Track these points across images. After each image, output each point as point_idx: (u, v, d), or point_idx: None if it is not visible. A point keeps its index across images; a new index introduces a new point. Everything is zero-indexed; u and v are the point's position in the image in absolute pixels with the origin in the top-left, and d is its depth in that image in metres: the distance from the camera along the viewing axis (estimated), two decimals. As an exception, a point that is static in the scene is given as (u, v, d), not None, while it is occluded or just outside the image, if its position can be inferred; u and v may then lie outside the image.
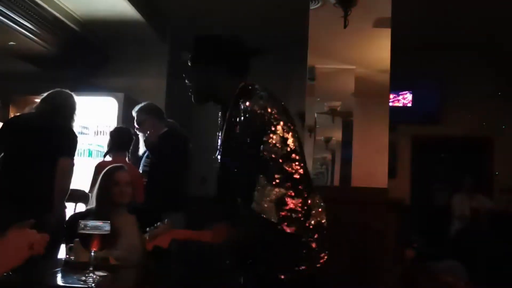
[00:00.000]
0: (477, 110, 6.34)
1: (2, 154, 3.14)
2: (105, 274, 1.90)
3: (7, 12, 4.17)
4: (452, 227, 5.71)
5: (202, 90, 1.78)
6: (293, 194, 1.52)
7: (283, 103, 1.68)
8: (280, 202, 1.51)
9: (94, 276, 1.81)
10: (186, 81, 1.81)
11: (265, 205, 1.51)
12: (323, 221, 1.59)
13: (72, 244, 2.17)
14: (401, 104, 6.52)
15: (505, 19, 5.14)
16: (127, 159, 3.59)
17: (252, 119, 1.58)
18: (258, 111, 1.58)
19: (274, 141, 1.55)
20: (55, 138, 3.08)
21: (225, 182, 1.73)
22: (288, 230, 1.52)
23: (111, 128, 4.11)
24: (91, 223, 1.86)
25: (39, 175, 2.96)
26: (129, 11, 4.80)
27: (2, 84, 5.49)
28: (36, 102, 5.90)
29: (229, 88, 1.70)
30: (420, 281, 3.46)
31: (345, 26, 3.26)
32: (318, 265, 1.57)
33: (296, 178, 1.54)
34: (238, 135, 1.62)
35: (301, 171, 1.56)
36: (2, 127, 3.27)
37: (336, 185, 4.22)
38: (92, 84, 5.46)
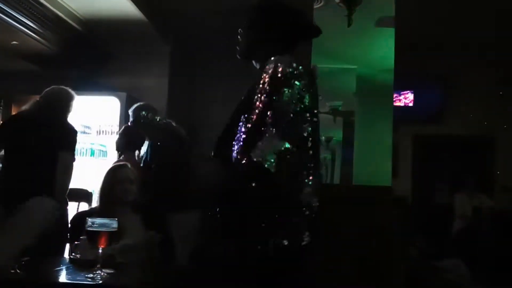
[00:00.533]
0: (478, 110, 6.35)
1: (3, 152, 3.16)
2: (112, 271, 1.90)
3: (10, 11, 4.18)
4: (454, 226, 5.72)
5: (251, 48, 1.84)
6: (296, 150, 1.52)
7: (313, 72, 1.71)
8: (282, 155, 1.51)
9: (102, 273, 1.81)
10: (239, 36, 1.86)
11: (267, 155, 1.51)
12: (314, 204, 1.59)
13: (78, 242, 2.18)
14: (402, 104, 6.53)
15: (507, 18, 5.15)
16: (137, 158, 3.60)
17: (275, 71, 1.60)
18: (283, 65, 1.60)
19: (290, 96, 1.57)
20: (53, 133, 3.11)
21: (230, 131, 1.72)
22: (281, 184, 1.51)
23: (121, 128, 4.11)
24: (99, 220, 1.87)
25: (39, 171, 2.97)
26: (131, 10, 4.81)
27: (5, 83, 5.50)
28: (37, 101, 5.94)
29: (275, 53, 1.72)
30: (423, 279, 3.47)
31: (349, 25, 3.26)
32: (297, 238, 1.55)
33: (304, 136, 1.55)
34: (262, 84, 1.63)
35: (309, 129, 1.57)
36: (1, 125, 3.30)
37: (338, 184, 4.23)
38: (95, 84, 5.47)
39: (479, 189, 5.89)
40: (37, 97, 6.07)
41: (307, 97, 1.60)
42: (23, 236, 2.08)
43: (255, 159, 1.52)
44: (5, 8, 4.10)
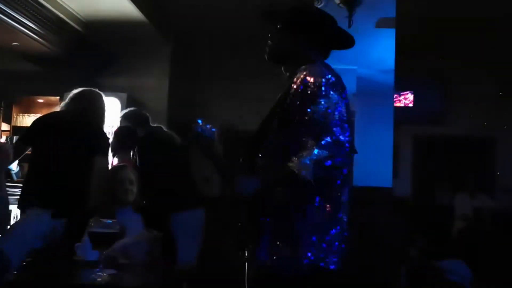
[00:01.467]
0: (478, 110, 6.36)
1: (31, 153, 3.05)
2: (114, 272, 1.91)
3: (11, 13, 4.18)
4: (454, 227, 5.72)
5: (281, 52, 1.80)
6: (335, 160, 1.49)
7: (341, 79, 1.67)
8: (320, 163, 1.48)
9: (103, 274, 1.82)
10: (269, 41, 1.82)
11: (304, 162, 1.48)
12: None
13: (80, 243, 2.18)
14: (402, 104, 6.54)
15: (507, 19, 5.16)
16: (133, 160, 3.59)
17: (309, 81, 1.58)
18: (316, 75, 1.59)
19: (327, 106, 1.54)
20: (88, 138, 2.98)
21: (260, 139, 1.69)
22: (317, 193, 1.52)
23: (115, 128, 4.11)
24: (101, 222, 1.87)
25: (71, 175, 2.84)
26: (132, 11, 4.82)
27: (6, 84, 5.50)
28: (38, 102, 5.94)
29: (306, 61, 1.70)
30: (424, 279, 3.47)
31: (349, 26, 3.27)
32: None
33: (342, 147, 1.51)
34: (294, 94, 1.61)
35: (349, 140, 1.53)
36: (31, 125, 3.14)
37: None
38: (95, 85, 5.45)
39: (480, 189, 5.89)
40: (38, 98, 6.06)
41: (343, 105, 1.57)
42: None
43: (292, 169, 1.50)
44: (6, 10, 4.10)
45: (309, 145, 1.53)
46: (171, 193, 3.45)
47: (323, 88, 1.56)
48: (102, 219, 1.93)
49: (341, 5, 3.29)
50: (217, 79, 6.51)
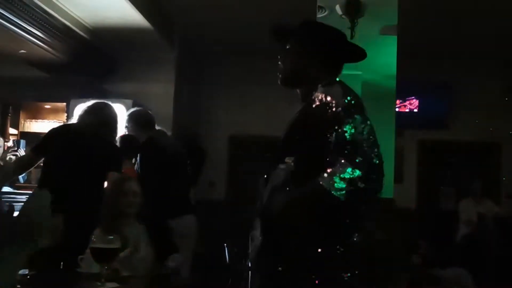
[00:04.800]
0: (484, 116, 6.32)
1: (43, 163, 3.07)
2: (116, 285, 1.94)
3: (18, 22, 4.23)
4: (459, 233, 5.70)
5: (295, 75, 1.77)
6: (366, 179, 1.46)
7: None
8: (352, 183, 1.46)
9: (106, 288, 1.85)
10: (280, 62, 1.79)
11: (336, 183, 1.45)
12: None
13: (82, 256, 2.21)
14: (407, 110, 6.53)
15: (510, 24, 5.14)
16: (135, 167, 3.61)
17: (330, 102, 1.56)
18: (337, 96, 1.57)
19: (354, 126, 1.51)
20: (102, 152, 3.00)
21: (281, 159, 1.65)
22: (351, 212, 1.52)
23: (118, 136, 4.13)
24: (103, 237, 1.90)
25: (82, 188, 2.85)
26: (137, 18, 4.85)
27: (14, 91, 5.57)
28: (45, 108, 6.00)
29: (320, 81, 1.67)
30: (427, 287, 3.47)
31: (351, 37, 3.28)
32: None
33: (374, 165, 1.49)
34: (314, 116, 1.59)
35: (380, 158, 1.51)
36: (45, 136, 3.15)
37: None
38: (101, 91, 5.52)
39: (485, 195, 5.86)
40: (45, 104, 6.11)
41: (369, 126, 1.54)
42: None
43: (323, 184, 1.48)
44: (13, 19, 4.16)
45: (340, 163, 1.48)
46: (171, 199, 3.47)
47: (346, 110, 1.54)
48: (104, 234, 1.95)
49: (343, 16, 3.30)
50: (223, 84, 6.54)
